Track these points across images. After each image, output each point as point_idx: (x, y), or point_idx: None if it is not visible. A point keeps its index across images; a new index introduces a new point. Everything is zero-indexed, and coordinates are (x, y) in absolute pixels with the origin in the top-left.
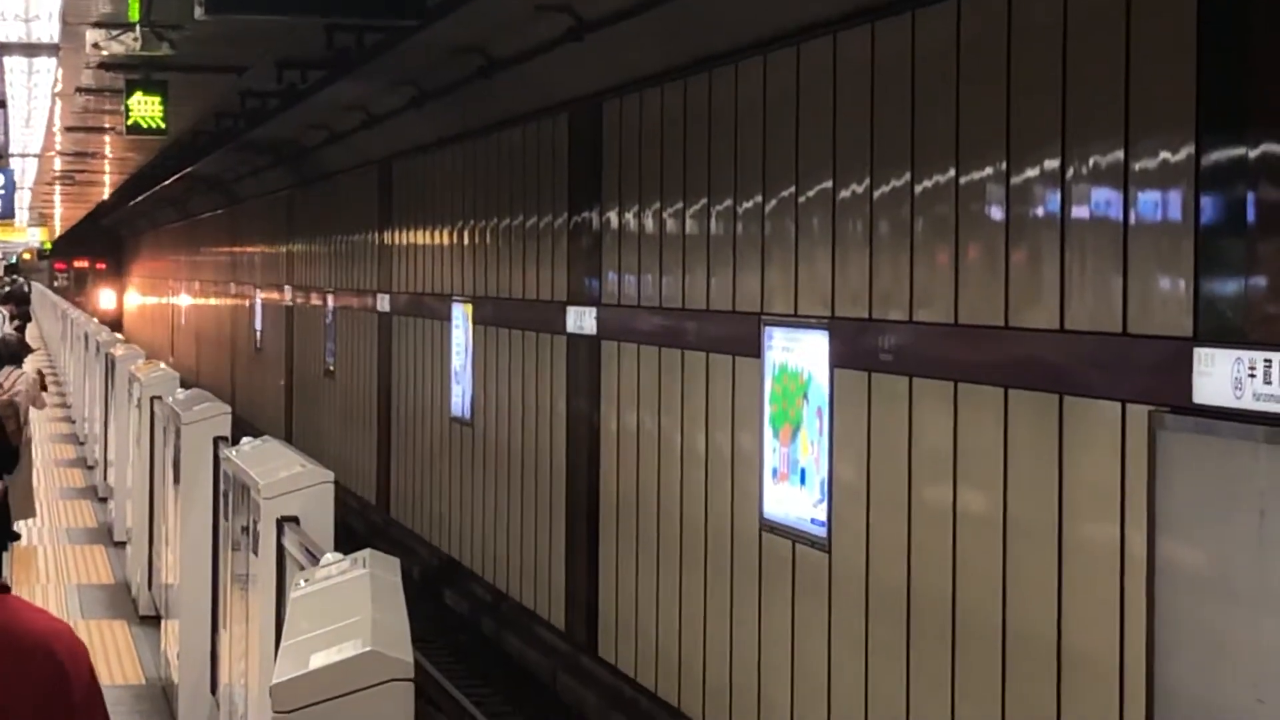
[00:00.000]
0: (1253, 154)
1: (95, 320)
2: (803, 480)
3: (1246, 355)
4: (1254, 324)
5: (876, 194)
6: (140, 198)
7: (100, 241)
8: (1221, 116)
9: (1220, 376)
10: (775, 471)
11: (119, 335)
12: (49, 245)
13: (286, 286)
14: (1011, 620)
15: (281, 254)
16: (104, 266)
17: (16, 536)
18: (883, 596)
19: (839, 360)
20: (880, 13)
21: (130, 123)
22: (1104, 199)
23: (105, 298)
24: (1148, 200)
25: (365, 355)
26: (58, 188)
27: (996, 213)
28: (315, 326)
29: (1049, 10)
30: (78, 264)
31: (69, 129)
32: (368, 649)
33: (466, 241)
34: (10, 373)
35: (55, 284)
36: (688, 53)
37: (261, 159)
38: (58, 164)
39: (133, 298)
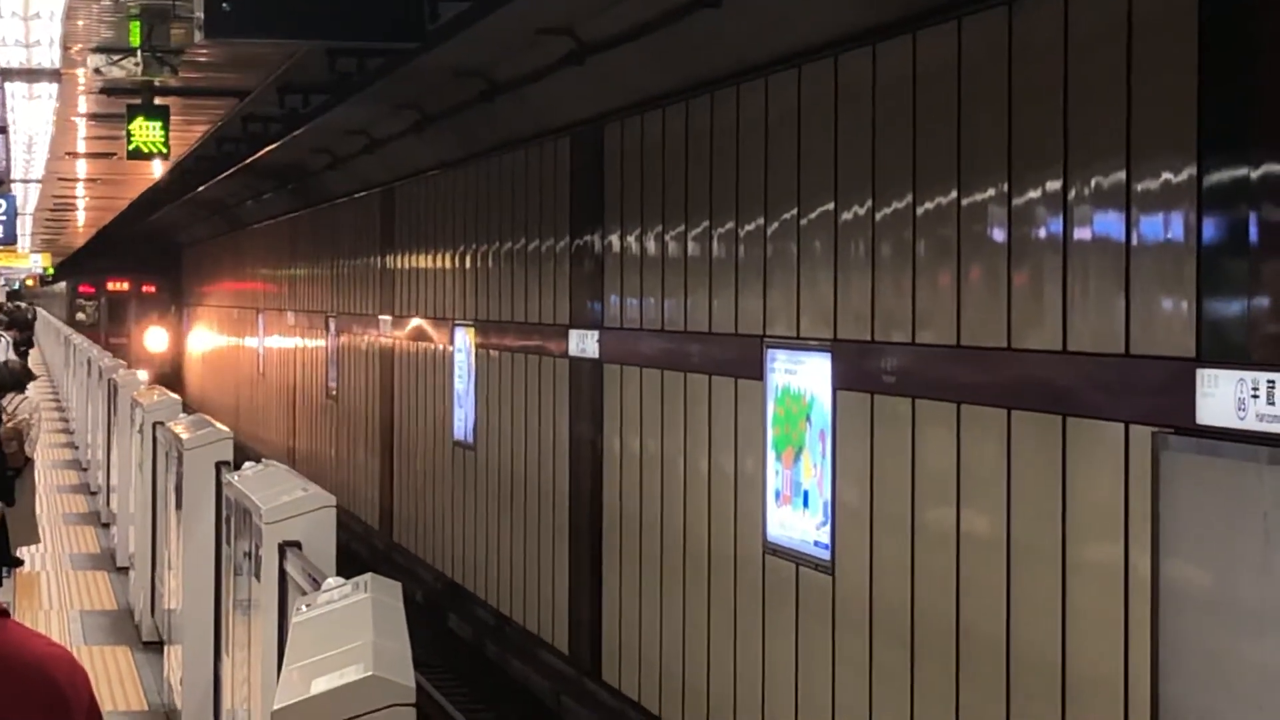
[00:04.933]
0: (1255, 174)
1: (146, 377)
2: (806, 503)
3: (1249, 376)
4: (1257, 345)
5: (878, 216)
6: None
7: (145, 254)
8: (1223, 137)
9: (1223, 397)
10: (778, 494)
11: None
12: (51, 270)
13: (289, 311)
14: (1015, 641)
15: (284, 277)
16: (153, 290)
17: (19, 562)
18: (886, 618)
19: (841, 382)
20: (881, 34)
21: (132, 147)
22: (1106, 220)
23: (154, 338)
24: (1150, 221)
25: (368, 379)
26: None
27: (998, 234)
28: (318, 350)
29: (1049, 31)
30: (113, 286)
31: (71, 153)
32: (369, 674)
33: (469, 265)
34: (14, 399)
35: (78, 317)
36: (689, 75)
37: (264, 184)
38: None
39: (201, 338)
